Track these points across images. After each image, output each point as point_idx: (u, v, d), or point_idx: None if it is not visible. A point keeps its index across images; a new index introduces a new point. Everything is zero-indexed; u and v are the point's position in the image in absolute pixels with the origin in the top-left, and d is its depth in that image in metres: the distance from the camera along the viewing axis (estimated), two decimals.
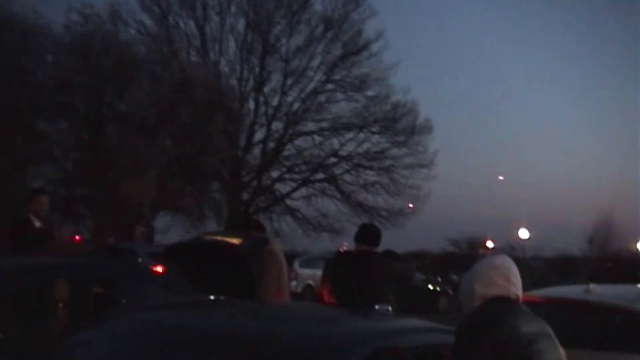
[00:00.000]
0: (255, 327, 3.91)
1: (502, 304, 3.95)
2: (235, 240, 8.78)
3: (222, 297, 5.79)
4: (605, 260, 50.73)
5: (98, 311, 6.60)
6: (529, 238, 57.22)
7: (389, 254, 8.27)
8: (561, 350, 3.89)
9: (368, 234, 8.08)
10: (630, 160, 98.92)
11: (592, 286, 7.88)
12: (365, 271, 7.54)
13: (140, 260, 17.63)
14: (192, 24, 37.50)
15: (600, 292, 7.92)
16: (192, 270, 8.07)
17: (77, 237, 31.74)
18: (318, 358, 3.37)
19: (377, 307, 7.05)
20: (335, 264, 8.06)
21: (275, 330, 3.77)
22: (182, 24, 37.37)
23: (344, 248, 52.40)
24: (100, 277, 7.25)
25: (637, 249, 52.52)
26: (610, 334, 7.38)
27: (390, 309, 7.35)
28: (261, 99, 38.56)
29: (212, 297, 5.46)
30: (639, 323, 7.10)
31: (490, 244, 61.06)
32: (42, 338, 6.20)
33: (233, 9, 37.93)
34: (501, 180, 62.23)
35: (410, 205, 40.41)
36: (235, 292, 6.35)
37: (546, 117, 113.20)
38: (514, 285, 4.07)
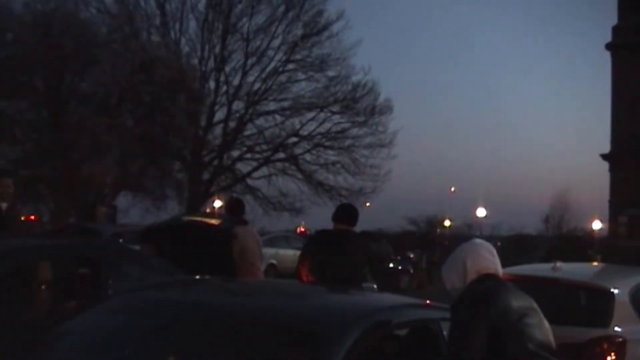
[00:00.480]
0: (262, 303, 4.16)
1: (493, 281, 4.26)
2: (214, 221, 9.03)
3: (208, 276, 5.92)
4: (561, 239, 51.58)
5: (84, 291, 6.76)
6: (486, 216, 58.07)
7: (366, 235, 8.53)
8: (546, 323, 4.22)
9: (346, 214, 8.29)
10: (585, 141, 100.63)
11: (558, 264, 8.25)
12: (345, 250, 7.76)
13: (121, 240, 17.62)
14: (152, 2, 37.32)
15: (567, 269, 8.31)
16: (172, 250, 8.28)
17: (33, 217, 31.54)
18: (323, 331, 3.60)
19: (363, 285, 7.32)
20: (314, 242, 8.27)
21: (280, 306, 4.02)
22: (142, 3, 37.19)
23: (302, 228, 52.49)
24: (85, 257, 7.35)
25: (592, 228, 53.50)
26: (578, 310, 7.74)
27: (375, 287, 7.61)
28: (222, 78, 38.54)
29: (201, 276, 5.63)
30: (604, 298, 7.45)
31: (447, 223, 61.93)
32: (27, 320, 6.33)
33: None
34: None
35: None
36: (215, 271, 6.52)
37: (505, 97, 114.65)
38: (498, 259, 4.42)
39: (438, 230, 59.48)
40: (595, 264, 15.14)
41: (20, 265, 6.82)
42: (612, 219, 49.12)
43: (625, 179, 47.93)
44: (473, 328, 3.99)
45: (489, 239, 60.30)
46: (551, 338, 4.21)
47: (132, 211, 36.01)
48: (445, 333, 4.33)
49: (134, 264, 7.61)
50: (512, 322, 4.03)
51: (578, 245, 47.58)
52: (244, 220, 8.98)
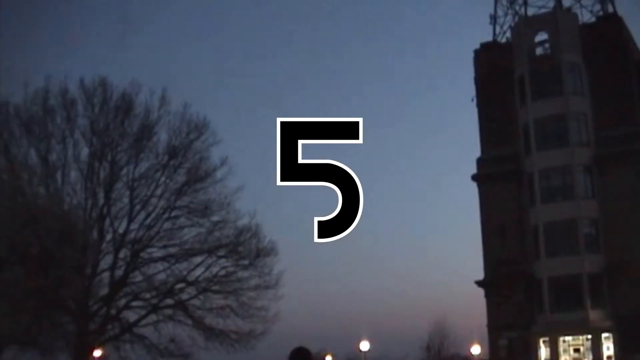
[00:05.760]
0: None
1: None
2: None
3: None
4: None
5: None
6: (369, 350, 58.58)
7: None
8: None
9: (301, 358, 8.68)
10: (461, 269, 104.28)
11: None
12: None
13: None
14: (33, 153, 37.39)
15: None
16: None
17: None
18: None
19: None
20: None
21: None
22: (22, 153, 37.18)
23: None
24: None
25: (472, 353, 54.93)
26: None
27: None
28: (107, 226, 38.42)
29: None
30: None
31: (329, 359, 62.16)
32: None
33: (76, 136, 38.17)
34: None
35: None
36: None
37: (382, 232, 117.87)
38: None
39: None
40: None
41: None
42: (492, 343, 50.76)
43: (500, 304, 49.96)
44: None
45: None
46: None
47: None
48: None
49: None
50: None
51: None
52: None
